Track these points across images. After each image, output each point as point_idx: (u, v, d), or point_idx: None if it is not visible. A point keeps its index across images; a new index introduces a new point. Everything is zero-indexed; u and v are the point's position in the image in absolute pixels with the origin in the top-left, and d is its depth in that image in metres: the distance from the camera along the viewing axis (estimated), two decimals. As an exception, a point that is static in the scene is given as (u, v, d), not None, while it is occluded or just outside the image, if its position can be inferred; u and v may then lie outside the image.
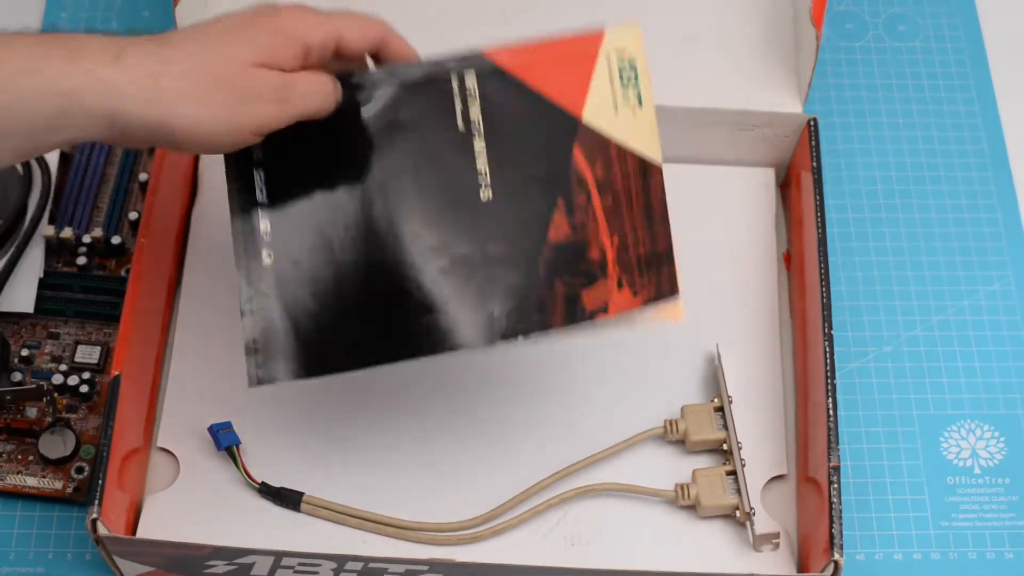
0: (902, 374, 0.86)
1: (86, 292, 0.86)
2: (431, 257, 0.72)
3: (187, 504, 0.78)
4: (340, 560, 0.73)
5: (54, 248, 0.87)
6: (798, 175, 0.86)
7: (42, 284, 0.85)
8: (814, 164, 0.84)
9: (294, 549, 0.73)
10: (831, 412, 0.76)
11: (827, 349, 0.78)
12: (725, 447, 0.80)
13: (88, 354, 0.84)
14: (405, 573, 0.74)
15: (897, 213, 0.91)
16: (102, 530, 0.73)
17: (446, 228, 0.72)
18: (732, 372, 0.82)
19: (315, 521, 0.78)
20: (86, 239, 0.87)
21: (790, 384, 0.83)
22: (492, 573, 0.74)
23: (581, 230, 0.72)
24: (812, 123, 0.85)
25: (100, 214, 0.88)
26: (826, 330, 0.78)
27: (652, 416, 0.81)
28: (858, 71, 0.97)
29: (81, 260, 0.86)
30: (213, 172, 0.88)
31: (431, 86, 0.72)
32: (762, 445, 0.81)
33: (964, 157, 0.93)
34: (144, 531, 0.77)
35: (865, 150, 0.94)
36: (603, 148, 0.73)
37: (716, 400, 0.81)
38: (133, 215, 0.88)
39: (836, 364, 0.78)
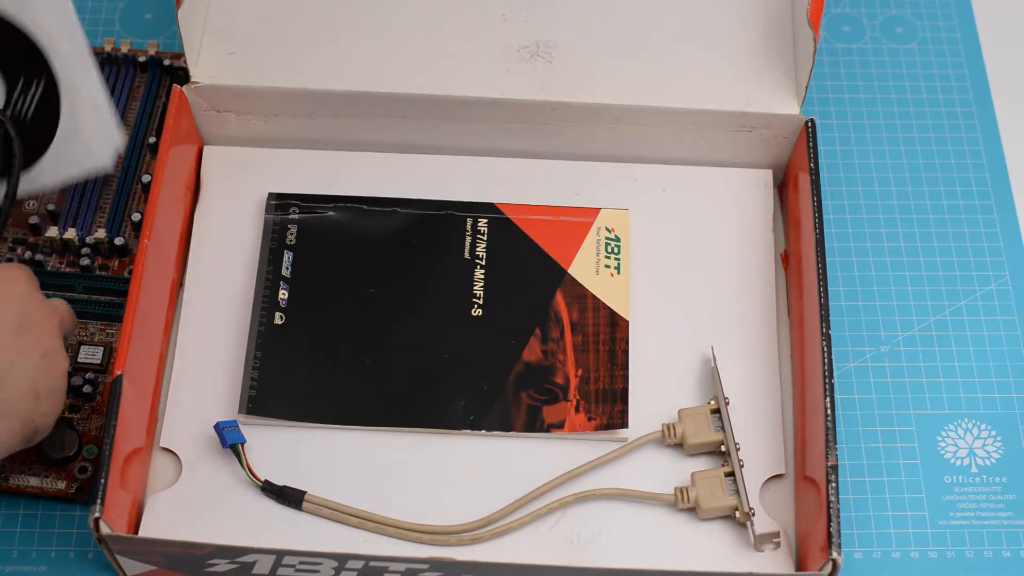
0: (900, 374, 0.86)
1: (89, 292, 0.86)
2: (418, 352, 0.83)
3: (189, 503, 0.79)
4: (341, 559, 0.73)
5: (57, 249, 0.88)
6: (796, 176, 0.86)
7: (45, 285, 0.86)
8: (812, 165, 0.84)
9: (295, 548, 0.73)
10: (829, 412, 0.76)
11: (825, 349, 0.78)
12: (723, 448, 0.80)
13: (91, 354, 0.84)
14: (405, 572, 0.74)
15: (894, 214, 0.92)
16: (104, 529, 0.73)
17: (437, 332, 0.83)
18: (730, 373, 0.82)
19: (316, 520, 0.78)
20: (89, 240, 0.87)
21: (788, 384, 0.83)
22: (492, 572, 0.75)
23: (551, 357, 0.83)
24: (810, 124, 0.85)
25: (103, 215, 0.89)
26: (824, 330, 0.78)
27: (650, 420, 0.81)
28: (855, 73, 0.97)
29: (84, 261, 0.87)
30: (216, 174, 0.89)
31: (448, 221, 0.86)
32: (760, 445, 0.81)
33: (961, 158, 0.94)
34: (146, 530, 0.78)
35: (863, 151, 0.94)
36: (581, 297, 0.85)
37: (713, 402, 0.81)
38: (136, 216, 0.88)
39: (834, 364, 0.78)
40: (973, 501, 0.83)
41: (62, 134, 0.79)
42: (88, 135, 0.80)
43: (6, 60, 0.78)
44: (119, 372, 0.76)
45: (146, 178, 0.89)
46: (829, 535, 0.73)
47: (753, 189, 0.89)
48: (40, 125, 0.79)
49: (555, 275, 0.85)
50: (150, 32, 0.97)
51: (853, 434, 0.84)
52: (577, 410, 0.81)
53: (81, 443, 0.81)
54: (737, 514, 0.78)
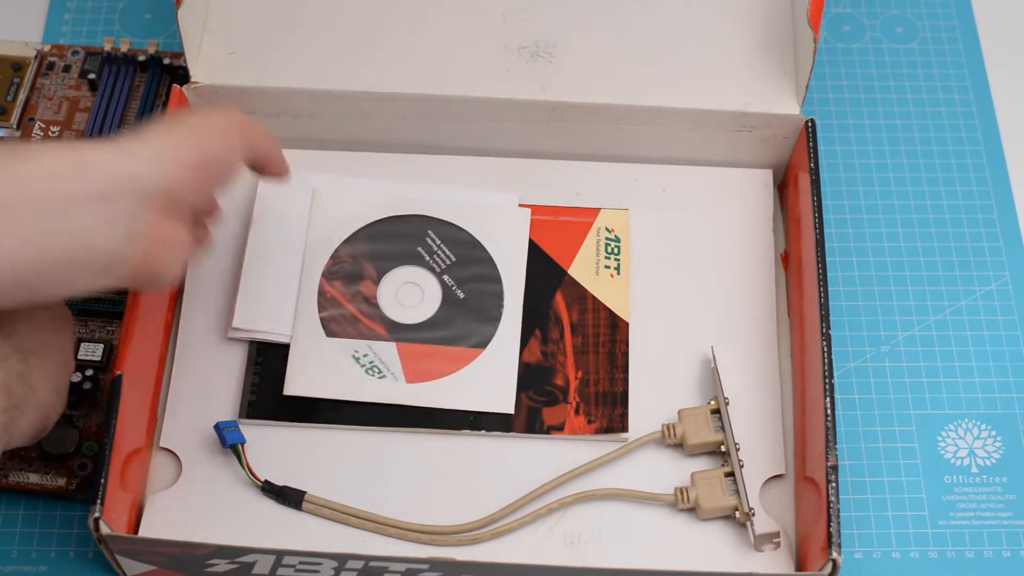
0: (900, 374, 0.86)
1: (90, 291, 0.86)
2: None
3: (189, 503, 0.79)
4: (341, 559, 0.73)
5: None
6: (796, 176, 0.86)
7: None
8: (812, 165, 0.84)
9: (295, 548, 0.73)
10: (829, 412, 0.76)
11: (825, 349, 0.78)
12: (723, 448, 0.80)
13: (91, 351, 0.84)
14: (405, 572, 0.74)
15: (895, 214, 0.92)
16: (104, 529, 0.73)
17: None
18: (730, 373, 0.82)
19: (316, 521, 0.79)
20: (89, 239, 0.87)
21: (788, 384, 0.83)
22: (492, 572, 0.75)
23: (551, 359, 0.83)
24: (810, 124, 0.85)
25: (103, 214, 0.89)
26: (824, 330, 0.78)
27: (650, 420, 0.81)
28: (856, 73, 0.97)
29: (84, 260, 0.87)
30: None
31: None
32: (760, 445, 0.81)
33: (961, 158, 0.94)
34: (146, 530, 0.78)
35: (863, 151, 0.94)
36: (581, 298, 0.85)
37: (713, 402, 0.81)
38: (136, 215, 0.88)
39: (834, 364, 0.78)
40: (973, 501, 0.83)
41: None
42: None
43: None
44: (119, 372, 0.77)
45: (146, 177, 0.89)
46: (829, 535, 0.73)
47: (753, 189, 0.89)
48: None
49: (555, 275, 0.85)
50: (150, 32, 0.98)
51: (853, 434, 0.84)
52: (577, 412, 0.81)
53: (81, 439, 0.82)
54: (737, 514, 0.78)
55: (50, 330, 0.73)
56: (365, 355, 0.82)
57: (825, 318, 0.79)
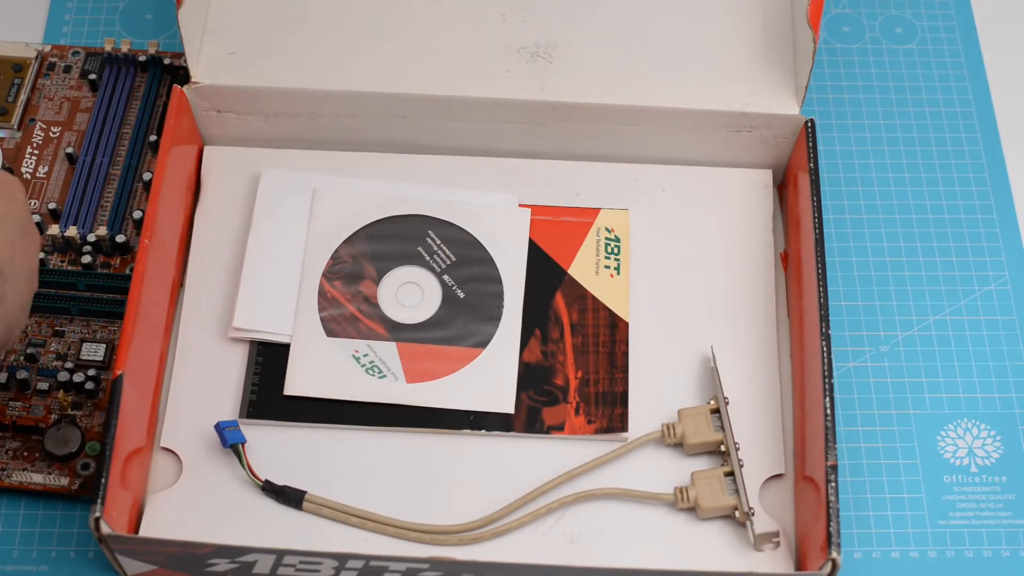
0: (899, 373, 0.86)
1: (91, 290, 0.87)
2: None
3: (189, 503, 0.79)
4: (341, 559, 0.74)
5: (59, 247, 0.88)
6: (795, 176, 0.87)
7: (46, 283, 0.86)
8: (811, 165, 0.84)
9: (296, 548, 0.74)
10: (828, 411, 0.76)
11: (824, 349, 0.78)
12: (723, 448, 0.80)
13: (93, 351, 0.85)
14: (405, 571, 0.74)
15: (894, 214, 0.92)
16: (105, 529, 0.73)
17: None
18: (730, 373, 0.82)
19: (317, 520, 0.79)
20: (91, 238, 0.87)
21: (787, 384, 0.83)
22: (492, 571, 0.75)
23: (551, 358, 0.83)
24: (809, 125, 0.86)
25: (104, 213, 0.89)
26: (823, 330, 0.78)
27: (650, 420, 0.82)
28: (855, 73, 0.97)
29: (86, 259, 0.87)
30: (216, 174, 0.89)
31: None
32: (760, 445, 0.81)
33: (960, 158, 0.94)
34: (147, 530, 0.78)
35: (862, 152, 0.94)
36: (581, 298, 0.85)
37: (712, 402, 0.81)
38: (137, 214, 0.88)
39: (833, 364, 0.78)
40: (972, 501, 0.83)
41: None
42: None
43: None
44: (119, 372, 0.77)
45: (147, 176, 0.89)
46: (829, 535, 0.73)
47: (753, 189, 0.89)
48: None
49: (555, 275, 0.85)
50: (150, 32, 0.98)
51: (852, 434, 0.84)
52: (577, 412, 0.82)
53: (84, 439, 0.82)
54: (737, 514, 0.78)
55: (21, 245, 0.72)
56: (365, 355, 0.82)
57: (825, 318, 0.79)
